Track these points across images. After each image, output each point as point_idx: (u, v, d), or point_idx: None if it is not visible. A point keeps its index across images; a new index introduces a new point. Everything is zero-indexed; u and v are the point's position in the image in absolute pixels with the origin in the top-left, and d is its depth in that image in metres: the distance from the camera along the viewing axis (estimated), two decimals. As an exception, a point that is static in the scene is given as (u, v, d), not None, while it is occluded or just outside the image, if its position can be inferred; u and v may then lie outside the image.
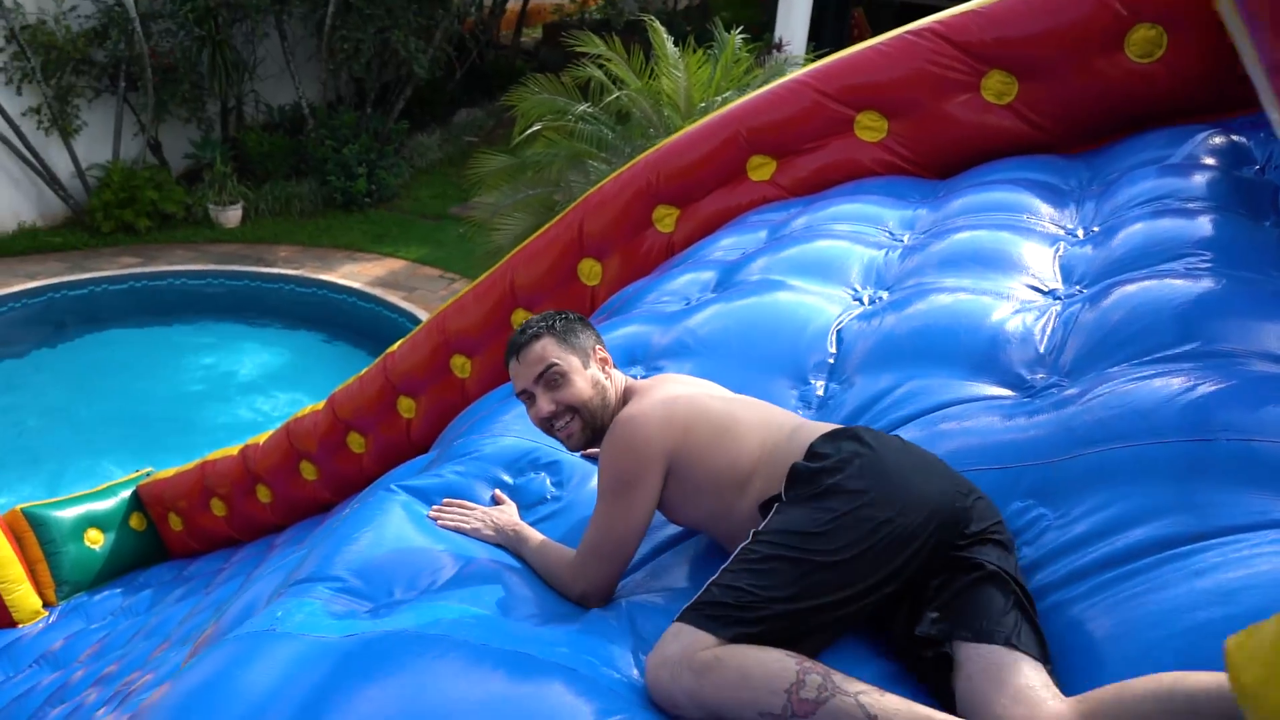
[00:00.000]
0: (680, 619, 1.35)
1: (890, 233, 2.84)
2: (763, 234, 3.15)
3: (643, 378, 2.49)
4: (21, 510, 4.17)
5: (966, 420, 1.81)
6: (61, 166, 10.06)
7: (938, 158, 3.28)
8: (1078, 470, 1.54)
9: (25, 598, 3.99)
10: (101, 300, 9.00)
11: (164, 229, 10.13)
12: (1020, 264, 2.37)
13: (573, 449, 1.81)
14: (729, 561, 1.42)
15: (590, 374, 1.76)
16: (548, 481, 2.07)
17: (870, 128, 3.30)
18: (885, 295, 2.46)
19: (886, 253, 2.69)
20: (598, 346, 1.81)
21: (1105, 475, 1.50)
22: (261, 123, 11.46)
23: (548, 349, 1.75)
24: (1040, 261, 2.38)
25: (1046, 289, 2.27)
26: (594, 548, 1.66)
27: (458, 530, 1.92)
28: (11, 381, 8.04)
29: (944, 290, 2.25)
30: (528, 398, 1.79)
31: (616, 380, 1.81)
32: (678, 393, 1.77)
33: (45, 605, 4.09)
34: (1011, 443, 1.67)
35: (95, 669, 3.48)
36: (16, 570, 3.97)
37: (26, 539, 4.11)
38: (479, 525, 1.92)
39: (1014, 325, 2.06)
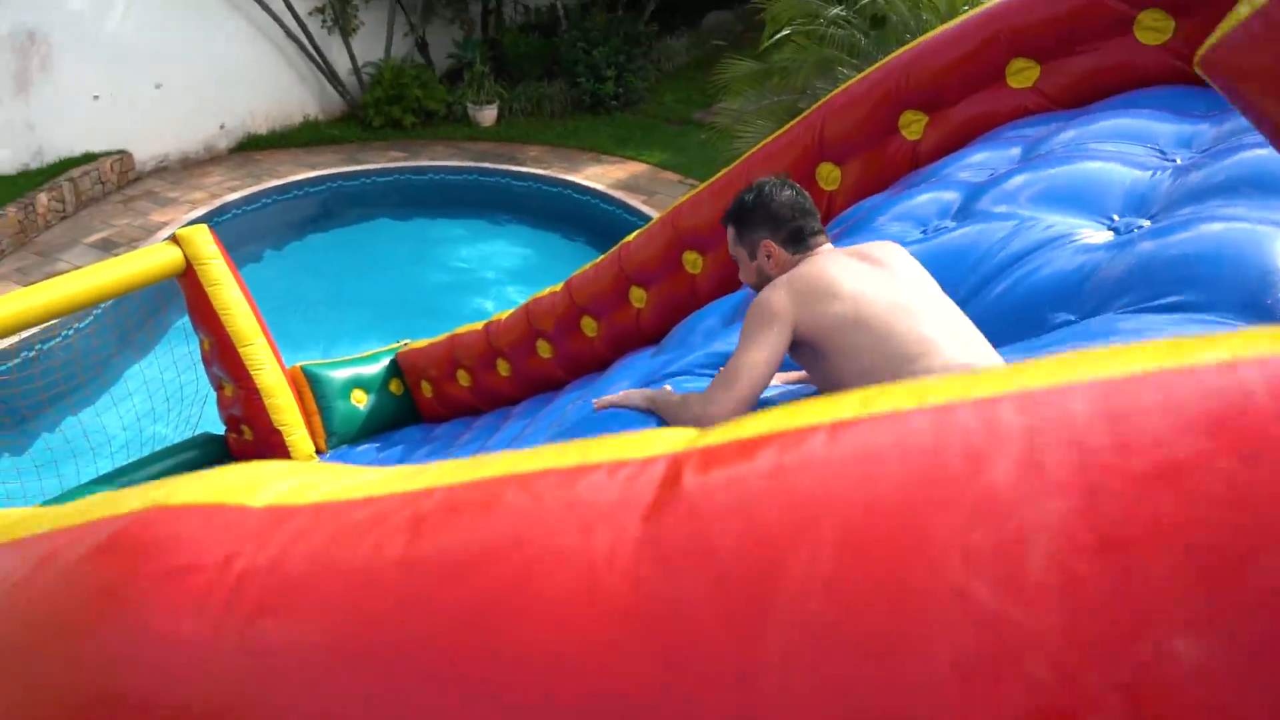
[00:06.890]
0: None
1: (1161, 151, 2.55)
2: (1016, 151, 2.94)
3: None
4: (302, 368, 4.71)
5: None
6: (340, 64, 10.86)
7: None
8: None
9: (302, 442, 4.55)
10: (371, 191, 9.74)
11: (426, 125, 10.78)
12: None
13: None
14: None
15: (755, 265, 2.09)
16: None
17: (1153, 28, 2.92)
18: (1146, 223, 2.21)
19: (1154, 174, 2.41)
20: (766, 240, 2.06)
21: None
22: (519, 24, 11.87)
23: (729, 238, 2.15)
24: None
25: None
26: (721, 376, 1.91)
27: (613, 405, 2.29)
28: (295, 260, 8.94)
29: (1215, 219, 2.00)
30: None
31: (781, 262, 2.06)
32: (830, 278, 1.93)
33: (317, 451, 4.63)
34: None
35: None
36: (297, 418, 4.53)
37: (305, 393, 4.65)
38: (632, 395, 2.26)
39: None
